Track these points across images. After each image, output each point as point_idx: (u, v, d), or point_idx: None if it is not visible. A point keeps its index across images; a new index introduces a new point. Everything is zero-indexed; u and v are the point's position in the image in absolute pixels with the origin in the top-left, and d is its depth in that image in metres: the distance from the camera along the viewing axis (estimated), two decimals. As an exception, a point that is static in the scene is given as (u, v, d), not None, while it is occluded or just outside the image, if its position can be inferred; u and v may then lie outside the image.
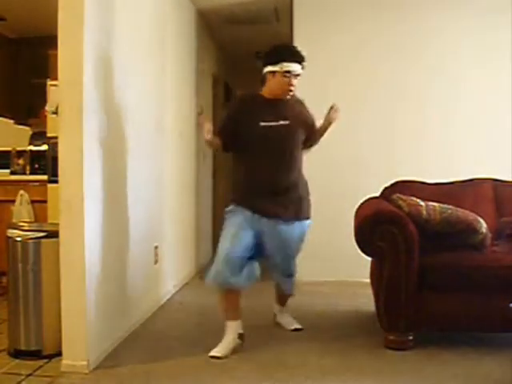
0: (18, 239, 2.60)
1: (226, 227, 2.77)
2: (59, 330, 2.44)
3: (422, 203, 2.92)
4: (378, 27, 4.40)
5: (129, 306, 3.01)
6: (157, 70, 3.64)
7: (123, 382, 2.36)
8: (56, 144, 2.50)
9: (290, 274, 2.96)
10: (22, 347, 2.60)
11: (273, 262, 2.87)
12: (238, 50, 6.21)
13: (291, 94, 2.80)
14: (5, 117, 4.91)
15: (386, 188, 3.39)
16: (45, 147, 3.99)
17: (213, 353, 2.61)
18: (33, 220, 3.84)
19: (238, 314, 2.75)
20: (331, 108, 2.87)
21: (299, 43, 4.44)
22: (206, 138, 2.76)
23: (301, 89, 4.58)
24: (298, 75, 2.76)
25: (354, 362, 2.57)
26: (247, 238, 2.71)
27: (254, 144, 2.76)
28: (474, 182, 3.41)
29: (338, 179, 4.40)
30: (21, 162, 4.44)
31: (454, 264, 2.73)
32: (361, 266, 3.38)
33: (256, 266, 2.81)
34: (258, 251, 2.78)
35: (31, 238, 2.59)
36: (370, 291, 3.14)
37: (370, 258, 3.02)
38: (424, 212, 2.86)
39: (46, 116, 3.74)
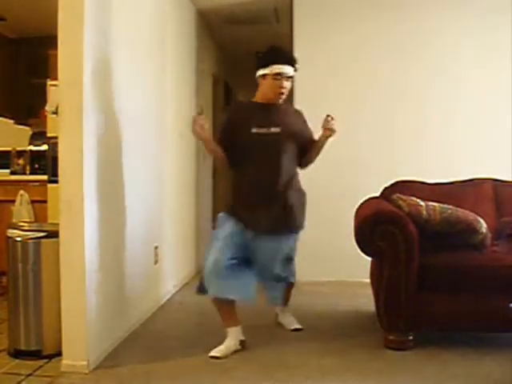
0: (18, 239, 2.60)
1: (214, 239, 2.74)
2: (59, 330, 2.44)
3: (422, 203, 2.92)
4: (378, 27, 4.40)
5: (129, 306, 3.01)
6: (157, 70, 3.64)
7: (123, 382, 2.36)
8: (56, 144, 2.50)
9: (281, 278, 2.95)
10: (22, 347, 2.60)
11: (261, 272, 2.82)
12: (238, 49, 6.21)
13: (283, 96, 2.77)
14: (5, 117, 4.91)
15: (386, 188, 3.39)
16: (45, 147, 3.99)
17: (213, 353, 2.62)
18: (33, 220, 3.84)
19: (237, 321, 2.75)
20: (326, 118, 2.78)
21: (299, 43, 4.50)
22: (206, 145, 2.75)
23: (301, 89, 4.58)
24: (289, 77, 2.73)
25: (354, 362, 2.57)
26: (233, 251, 2.68)
27: (245, 151, 2.74)
28: (474, 181, 3.41)
29: (338, 179, 4.40)
30: (21, 161, 4.44)
31: (454, 264, 2.73)
32: (361, 266, 3.39)
33: (252, 284, 2.75)
34: (247, 263, 2.76)
35: (31, 238, 2.59)
36: (370, 291, 3.14)
37: (370, 258, 3.02)
38: (424, 212, 2.86)
39: (46, 116, 3.74)
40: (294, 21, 4.51)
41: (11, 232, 2.64)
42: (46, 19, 3.27)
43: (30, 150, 4.44)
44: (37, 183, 3.91)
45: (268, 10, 4.92)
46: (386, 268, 2.70)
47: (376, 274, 2.85)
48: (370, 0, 4.42)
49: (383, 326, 2.77)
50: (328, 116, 2.78)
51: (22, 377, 2.37)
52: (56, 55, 2.40)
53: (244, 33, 5.65)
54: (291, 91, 4.35)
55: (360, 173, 4.36)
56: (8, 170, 4.41)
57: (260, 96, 2.81)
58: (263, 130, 2.71)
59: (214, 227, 2.85)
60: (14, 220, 3.76)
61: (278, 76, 2.69)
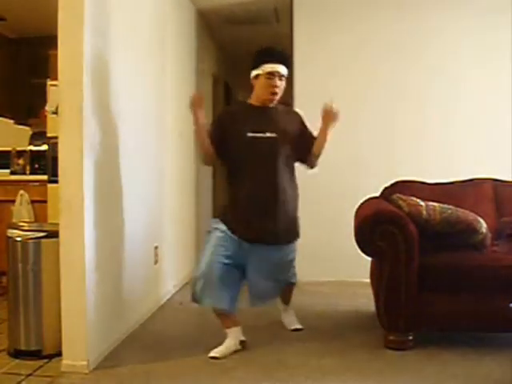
0: (18, 239, 2.60)
1: (206, 249, 2.70)
2: (59, 330, 2.44)
3: (422, 203, 2.92)
4: (378, 27, 4.40)
5: (128, 307, 3.01)
6: (157, 70, 3.64)
7: (123, 382, 2.36)
8: (56, 144, 2.50)
9: (282, 281, 2.93)
10: (22, 347, 2.60)
11: (255, 283, 2.78)
12: (238, 49, 6.21)
13: (276, 97, 2.73)
14: (5, 117, 4.91)
15: (386, 188, 3.39)
16: (45, 147, 3.99)
17: (212, 353, 2.61)
18: (33, 220, 3.84)
19: (236, 322, 2.74)
20: (325, 105, 2.73)
21: (299, 43, 4.50)
22: (199, 129, 2.66)
23: (301, 89, 4.58)
24: (282, 76, 2.70)
25: (354, 362, 2.57)
26: (227, 254, 2.65)
27: (241, 157, 2.69)
28: (474, 181, 3.41)
29: (338, 179, 4.40)
30: (21, 161, 4.44)
31: (454, 264, 2.73)
32: (361, 266, 3.39)
33: (238, 297, 2.73)
34: (239, 273, 2.73)
35: (31, 238, 2.59)
36: (370, 291, 3.14)
37: (370, 258, 3.02)
38: (424, 212, 2.86)
39: (46, 116, 3.74)
40: (294, 21, 4.51)
41: (11, 232, 2.64)
42: (46, 19, 3.27)
43: (30, 150, 4.44)
44: (37, 183, 3.91)
45: (268, 10, 4.92)
46: (386, 268, 2.70)
47: (376, 274, 2.85)
48: (370, 0, 4.42)
49: (383, 326, 2.77)
50: (327, 103, 2.73)
51: (22, 377, 2.37)
52: (56, 55, 2.40)
53: (244, 33, 5.65)
54: (291, 91, 4.39)
55: (360, 173, 4.36)
56: (8, 170, 4.41)
57: (254, 98, 2.77)
58: (259, 135, 2.68)
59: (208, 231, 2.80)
60: (14, 220, 3.76)
61: (271, 75, 2.66)
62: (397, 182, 3.40)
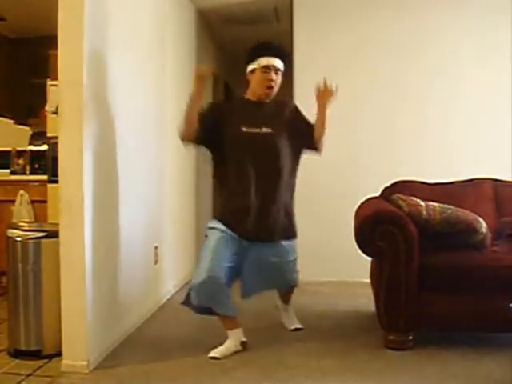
0: (18, 239, 2.60)
1: (206, 252, 2.63)
2: (59, 330, 2.44)
3: (422, 203, 2.92)
4: (378, 27, 4.40)
5: (128, 307, 3.00)
6: (157, 70, 3.64)
7: (123, 382, 2.36)
8: (56, 144, 2.50)
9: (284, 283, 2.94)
10: (22, 347, 2.60)
11: (248, 280, 2.76)
12: (238, 50, 6.20)
13: (272, 91, 2.69)
14: (5, 117, 4.91)
15: (386, 188, 3.39)
16: (45, 147, 3.99)
17: (212, 353, 2.61)
18: (33, 220, 3.84)
19: (237, 323, 2.73)
20: (318, 86, 2.68)
21: (299, 43, 4.50)
22: (195, 99, 2.57)
23: (301, 89, 4.57)
24: (278, 70, 2.66)
25: (354, 362, 2.57)
26: (226, 264, 2.61)
27: (233, 151, 2.66)
28: (474, 181, 3.41)
29: (338, 179, 4.40)
30: (21, 162, 4.44)
31: (454, 264, 2.73)
32: (361, 266, 3.39)
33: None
34: (236, 272, 2.70)
35: (31, 238, 2.59)
36: (370, 291, 3.14)
37: (370, 258, 3.02)
38: (424, 212, 2.86)
39: (46, 116, 3.74)
40: (294, 20, 4.51)
41: (11, 232, 2.64)
42: (46, 19, 3.27)
43: (30, 150, 4.44)
44: (37, 183, 3.91)
45: (268, 10, 4.92)
46: (386, 268, 2.70)
47: (376, 274, 2.85)
48: (370, 0, 4.42)
49: (383, 326, 2.77)
50: (321, 82, 2.68)
51: (22, 377, 2.37)
52: (56, 55, 2.40)
53: (244, 33, 5.65)
54: (291, 92, 4.38)
55: (360, 173, 4.36)
56: (8, 170, 4.41)
57: (250, 93, 2.74)
58: (255, 130, 2.65)
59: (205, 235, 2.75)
60: (14, 220, 3.76)
61: (267, 69, 2.63)
62: (397, 182, 3.40)
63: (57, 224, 2.47)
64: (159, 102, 3.69)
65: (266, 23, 5.30)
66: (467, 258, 2.77)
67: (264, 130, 2.66)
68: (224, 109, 2.77)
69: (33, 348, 2.59)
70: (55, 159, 2.56)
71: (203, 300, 2.63)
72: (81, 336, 2.43)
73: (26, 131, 4.91)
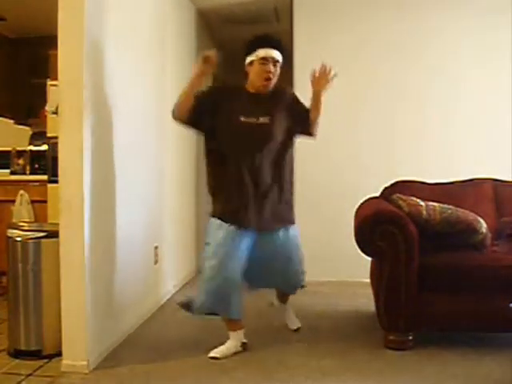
0: (18, 239, 2.60)
1: (213, 250, 2.60)
2: (59, 330, 2.44)
3: (422, 203, 2.92)
4: (378, 27, 4.40)
5: (128, 306, 3.01)
6: (157, 70, 3.64)
7: (123, 382, 2.36)
8: (56, 144, 2.50)
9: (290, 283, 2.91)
10: (22, 347, 2.60)
11: (254, 271, 2.73)
12: (238, 49, 6.21)
13: (270, 83, 2.66)
14: (5, 117, 4.91)
15: (386, 188, 3.39)
16: (45, 147, 3.99)
17: (213, 353, 2.61)
18: (33, 220, 3.84)
19: (240, 325, 2.73)
20: (313, 73, 2.67)
21: (299, 43, 4.50)
22: (196, 80, 2.55)
23: (301, 89, 4.58)
24: (276, 61, 2.64)
25: (354, 362, 2.57)
26: (239, 261, 2.59)
27: (230, 140, 2.63)
28: (474, 181, 3.41)
29: (338, 179, 4.40)
30: (21, 162, 4.44)
31: (454, 264, 2.73)
32: (361, 266, 3.39)
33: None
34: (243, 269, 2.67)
35: (31, 238, 2.59)
36: (370, 291, 3.14)
37: (370, 258, 3.02)
38: (424, 212, 2.86)
39: (46, 116, 3.73)
40: (294, 20, 4.51)
41: (11, 232, 2.64)
42: (46, 19, 3.27)
43: (30, 150, 4.43)
44: (37, 183, 3.91)
45: (268, 10, 4.93)
46: (386, 268, 2.70)
47: (376, 274, 2.85)
48: (370, 0, 4.42)
49: (383, 326, 2.77)
50: (316, 68, 2.66)
51: (22, 377, 2.37)
52: (56, 55, 2.40)
53: (244, 32, 5.62)
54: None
55: (360, 173, 4.37)
56: (8, 170, 4.40)
57: (250, 86, 2.71)
58: (252, 120, 2.63)
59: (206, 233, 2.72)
60: (14, 220, 3.76)
61: (265, 60, 2.61)
62: (397, 182, 3.40)
63: (57, 224, 2.47)
64: (159, 102, 3.69)
65: (266, 23, 5.30)
66: (467, 258, 2.77)
67: (261, 119, 2.64)
68: (223, 94, 2.73)
69: (33, 348, 2.59)
70: (55, 159, 2.56)
71: (216, 304, 2.61)
72: (81, 336, 2.43)
73: (26, 131, 4.91)
